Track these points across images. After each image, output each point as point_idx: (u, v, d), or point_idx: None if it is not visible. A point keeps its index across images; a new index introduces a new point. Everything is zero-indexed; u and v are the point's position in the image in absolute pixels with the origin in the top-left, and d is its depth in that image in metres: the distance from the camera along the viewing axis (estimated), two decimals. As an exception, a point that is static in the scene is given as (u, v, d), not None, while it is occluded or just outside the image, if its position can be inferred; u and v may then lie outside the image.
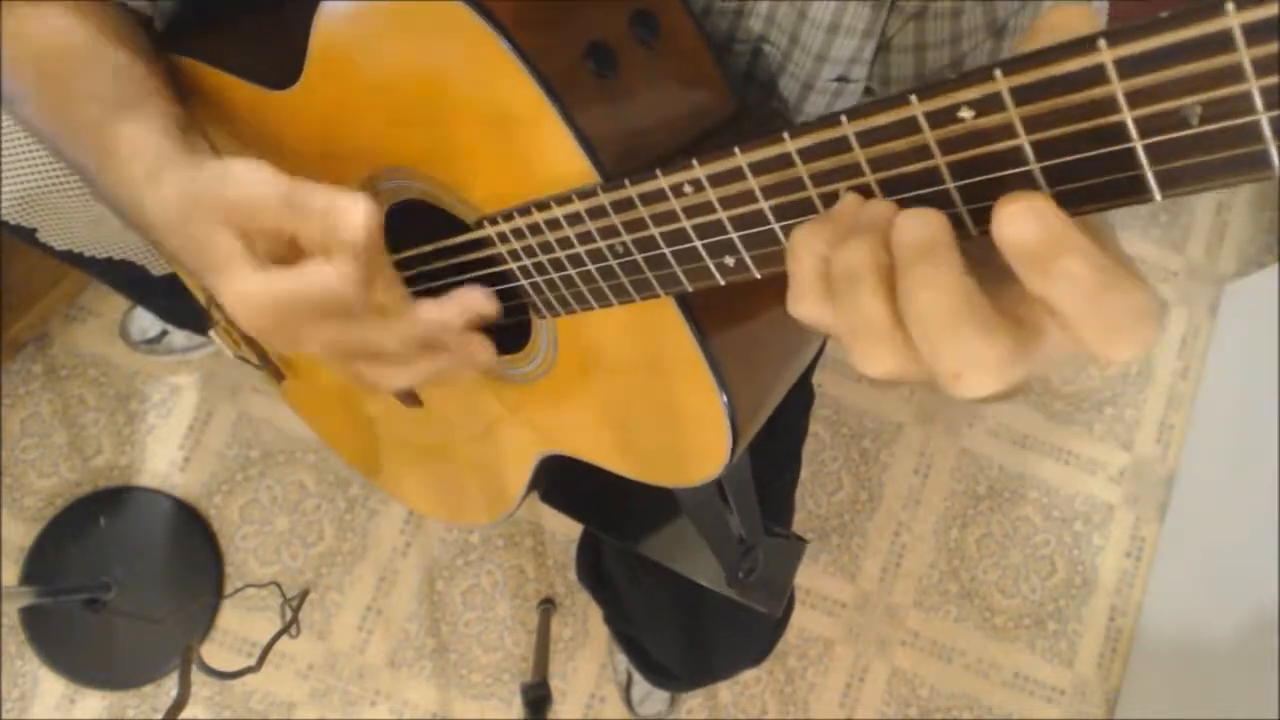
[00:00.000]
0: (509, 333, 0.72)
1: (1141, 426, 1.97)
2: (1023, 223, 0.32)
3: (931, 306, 0.34)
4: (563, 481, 0.89)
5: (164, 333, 1.78)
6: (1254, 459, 1.69)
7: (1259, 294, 1.90)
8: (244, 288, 0.53)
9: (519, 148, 0.55)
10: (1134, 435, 1.96)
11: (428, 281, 0.72)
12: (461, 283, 0.68)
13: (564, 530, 1.81)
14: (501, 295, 0.66)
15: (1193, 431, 1.96)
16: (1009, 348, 0.34)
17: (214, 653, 1.69)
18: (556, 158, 0.53)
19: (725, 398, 0.60)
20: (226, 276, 0.53)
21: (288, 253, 0.54)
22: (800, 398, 1.11)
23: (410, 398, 0.86)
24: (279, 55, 0.65)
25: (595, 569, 1.35)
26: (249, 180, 0.52)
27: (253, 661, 1.27)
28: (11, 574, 1.68)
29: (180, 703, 1.10)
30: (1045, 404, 1.96)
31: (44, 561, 1.68)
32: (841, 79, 0.68)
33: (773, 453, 1.03)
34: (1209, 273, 2.06)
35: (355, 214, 0.51)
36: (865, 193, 0.38)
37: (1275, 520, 1.57)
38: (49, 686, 1.65)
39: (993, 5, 0.62)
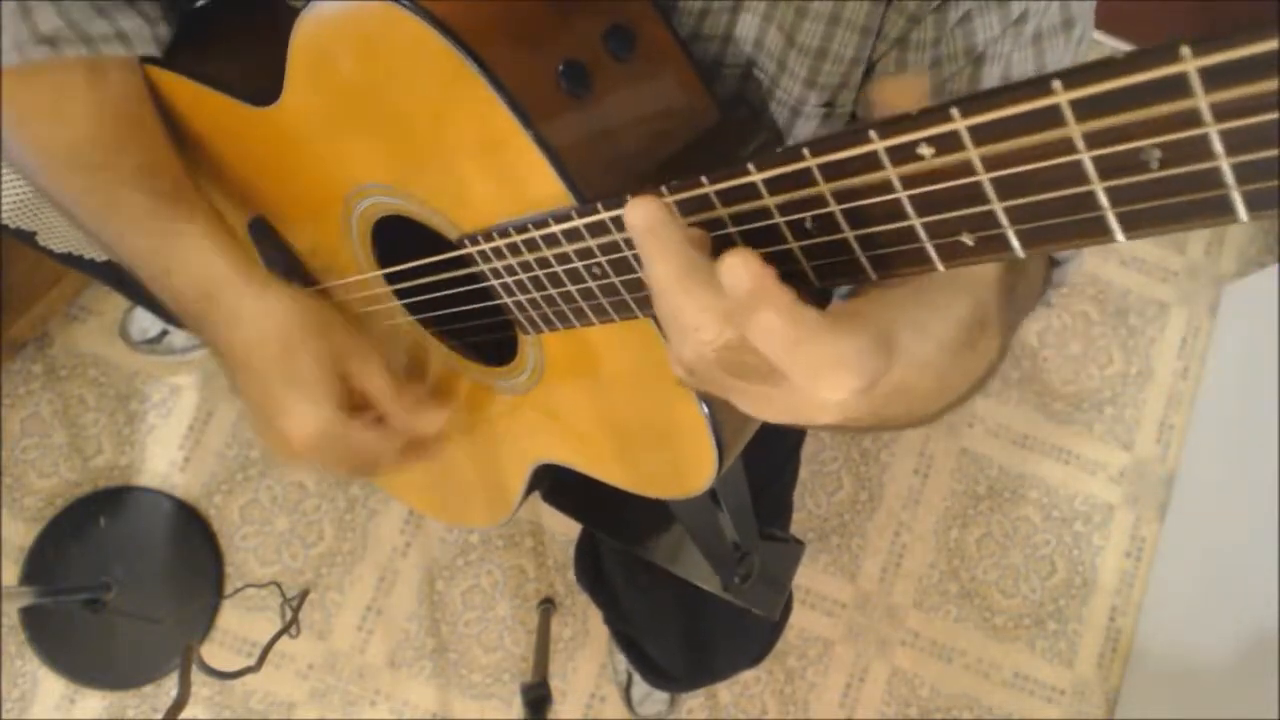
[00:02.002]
0: (497, 345, 0.72)
1: (1141, 426, 1.96)
2: (731, 274, 0.37)
3: (654, 275, 0.41)
4: (563, 482, 0.89)
5: (164, 333, 1.78)
6: (1254, 459, 1.68)
7: (1259, 294, 1.89)
8: (319, 414, 0.63)
9: (495, 168, 0.54)
10: (1134, 435, 1.96)
11: (412, 296, 0.72)
12: (447, 299, 0.68)
13: (564, 530, 1.81)
14: (486, 311, 0.66)
15: (1193, 431, 1.95)
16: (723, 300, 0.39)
17: (214, 653, 1.69)
18: (532, 178, 0.52)
19: (706, 410, 0.60)
20: (304, 395, 0.62)
21: (353, 397, 0.65)
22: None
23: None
24: (262, 69, 0.65)
25: (594, 570, 1.35)
26: (373, 353, 0.67)
27: (253, 661, 1.27)
28: (11, 574, 1.68)
29: (180, 703, 1.11)
30: (1045, 404, 1.96)
31: (44, 561, 1.68)
32: (829, 105, 0.68)
33: (770, 455, 1.03)
34: (1209, 273, 2.05)
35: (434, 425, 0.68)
36: (832, 225, 0.38)
37: (1275, 520, 1.56)
38: (49, 686, 1.66)
39: (971, 30, 0.62)
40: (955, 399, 0.50)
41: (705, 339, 0.40)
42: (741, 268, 0.37)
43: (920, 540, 1.88)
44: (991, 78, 0.63)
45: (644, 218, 0.42)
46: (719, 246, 0.43)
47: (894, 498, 1.90)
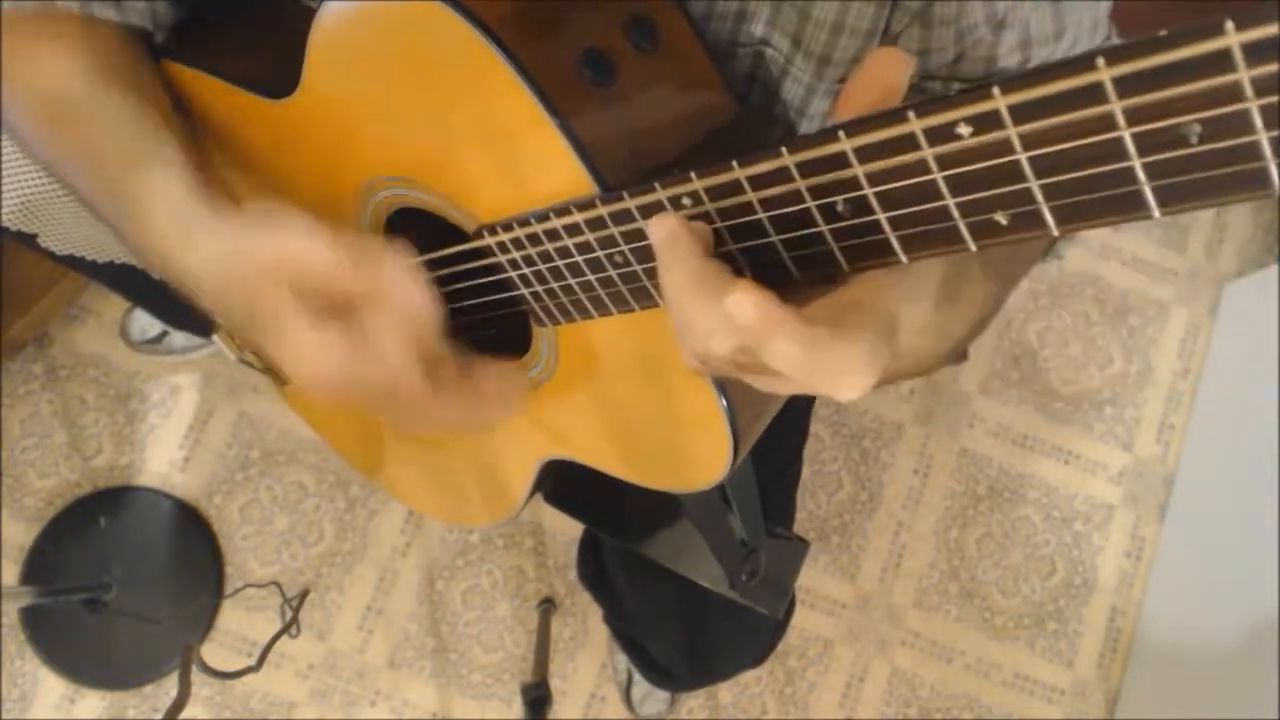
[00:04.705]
0: (510, 338, 0.72)
1: (1141, 426, 1.97)
2: (738, 310, 0.39)
3: (669, 283, 0.43)
4: (565, 482, 0.89)
5: (164, 333, 1.77)
6: (1254, 459, 1.69)
7: (1259, 294, 1.90)
8: (306, 350, 0.53)
9: (516, 158, 0.54)
10: (1134, 435, 1.96)
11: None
12: (462, 291, 0.68)
13: (564, 530, 1.81)
14: (501, 303, 0.66)
15: (1192, 431, 1.95)
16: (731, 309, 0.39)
17: (214, 653, 1.69)
18: (554, 168, 0.52)
19: (725, 402, 0.60)
20: (281, 335, 0.54)
21: (340, 307, 0.53)
22: (802, 398, 1.10)
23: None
24: (278, 63, 0.64)
25: (596, 569, 1.35)
26: (304, 235, 0.52)
27: (253, 661, 1.27)
28: (11, 574, 1.67)
29: (180, 703, 1.11)
30: (1045, 404, 1.96)
31: (44, 561, 1.68)
32: (844, 80, 0.67)
33: (775, 454, 1.03)
34: (1209, 273, 2.05)
35: (417, 293, 0.52)
36: (864, 207, 0.38)
37: (1275, 520, 1.57)
38: (49, 686, 1.65)
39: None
40: (958, 341, 0.53)
41: (716, 348, 0.42)
42: (748, 305, 0.39)
43: (920, 540, 1.88)
44: (1009, 43, 0.63)
45: (664, 231, 0.43)
46: (748, 231, 0.43)
47: (894, 498, 1.90)
